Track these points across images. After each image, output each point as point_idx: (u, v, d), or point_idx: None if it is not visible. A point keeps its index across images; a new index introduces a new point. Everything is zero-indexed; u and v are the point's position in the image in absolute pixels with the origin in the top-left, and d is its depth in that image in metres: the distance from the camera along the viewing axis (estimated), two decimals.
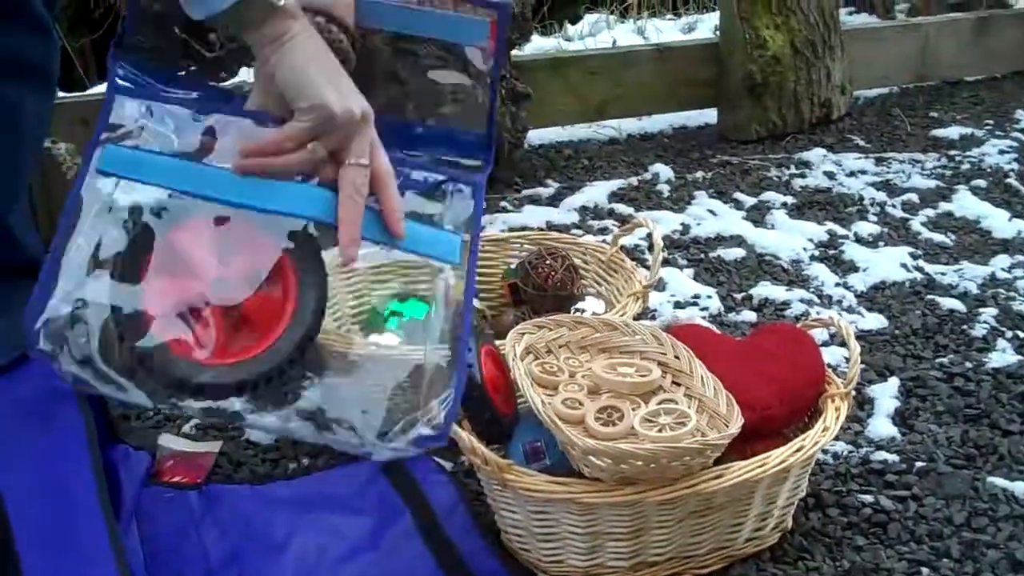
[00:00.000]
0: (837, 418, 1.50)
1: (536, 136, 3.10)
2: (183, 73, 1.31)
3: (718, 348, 1.63)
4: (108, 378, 1.13)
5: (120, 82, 1.26)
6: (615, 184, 2.87)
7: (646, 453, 1.33)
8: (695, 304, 2.24)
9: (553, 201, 2.75)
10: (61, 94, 2.01)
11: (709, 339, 1.68)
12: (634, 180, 2.91)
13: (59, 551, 1.30)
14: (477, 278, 1.96)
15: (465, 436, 1.41)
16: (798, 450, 1.43)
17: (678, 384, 1.55)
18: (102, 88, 2.82)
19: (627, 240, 2.45)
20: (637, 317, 1.77)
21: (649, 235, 2.49)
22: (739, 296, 2.30)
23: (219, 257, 1.18)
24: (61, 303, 1.14)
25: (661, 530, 1.41)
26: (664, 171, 2.97)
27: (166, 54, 1.27)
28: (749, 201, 2.81)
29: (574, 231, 2.55)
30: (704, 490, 1.38)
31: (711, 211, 2.73)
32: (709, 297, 2.28)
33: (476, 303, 1.89)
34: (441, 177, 1.31)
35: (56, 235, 1.17)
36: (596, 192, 2.80)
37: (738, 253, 2.49)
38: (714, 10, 4.17)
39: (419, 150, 1.33)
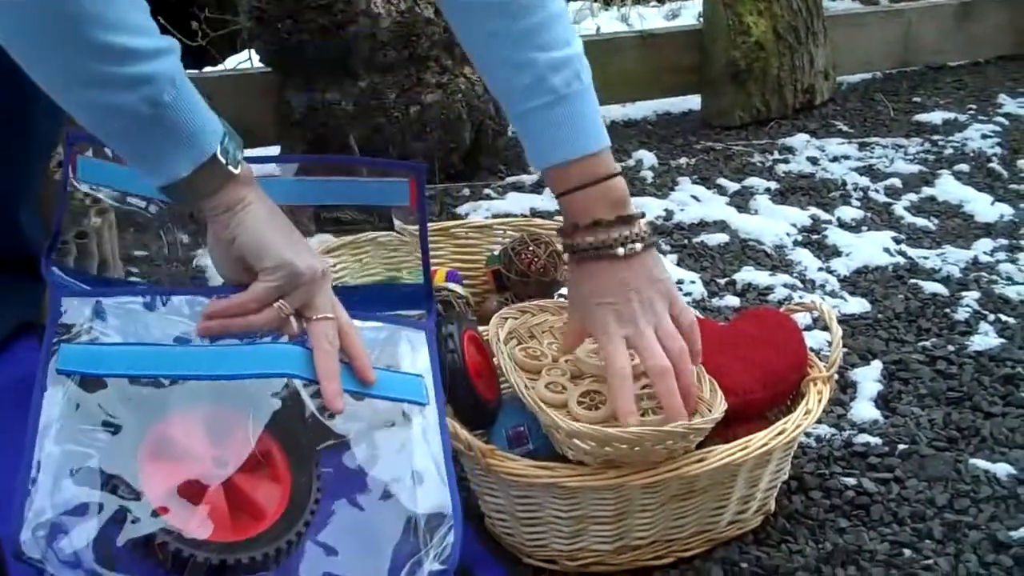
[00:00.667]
0: (819, 401, 1.50)
1: None
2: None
3: (701, 333, 1.63)
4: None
5: (61, 285, 1.28)
6: None
7: (630, 436, 1.33)
8: (678, 289, 2.23)
9: (536, 188, 2.75)
10: None
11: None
12: (617, 166, 2.89)
13: None
14: (460, 264, 1.98)
15: (448, 423, 1.41)
16: (780, 433, 1.43)
17: None
18: None
19: None
20: None
21: None
22: (722, 281, 2.30)
23: (211, 440, 1.18)
24: (44, 509, 1.11)
25: (644, 514, 1.42)
26: (648, 157, 2.97)
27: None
28: (732, 187, 2.81)
29: (557, 217, 2.53)
30: (687, 473, 1.38)
31: (694, 197, 2.73)
32: (693, 282, 2.28)
33: (459, 289, 1.89)
34: (391, 327, 1.35)
35: (27, 437, 1.14)
36: None
37: (721, 238, 2.49)
38: None
39: (359, 310, 1.34)
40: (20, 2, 1.03)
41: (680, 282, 2.27)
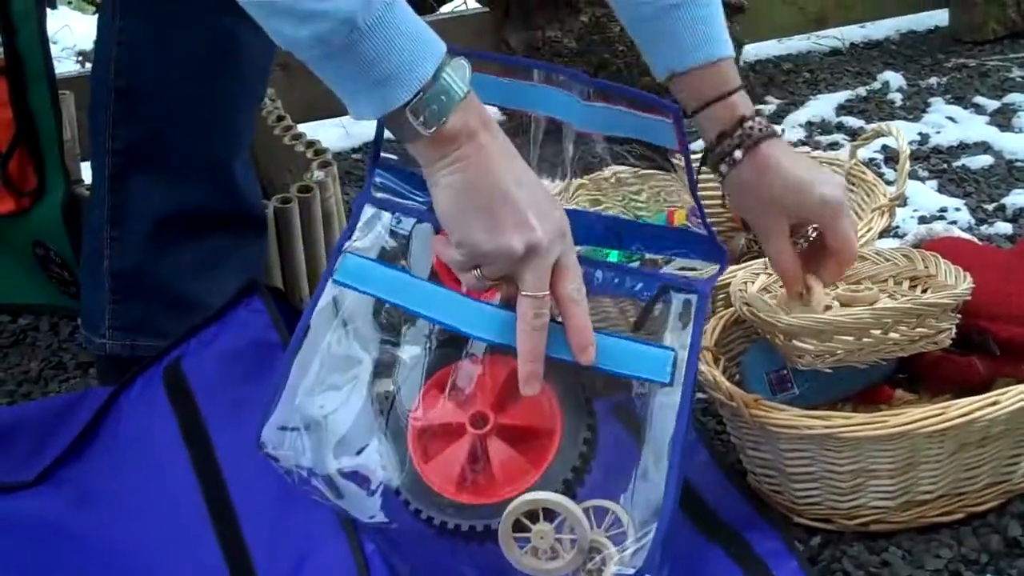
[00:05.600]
0: None
1: (752, 51, 2.92)
2: None
3: (981, 259, 1.47)
4: (333, 484, 1.14)
5: (375, 191, 1.24)
6: (841, 96, 2.68)
7: (853, 323, 1.24)
8: (942, 218, 2.07)
9: (775, 118, 2.57)
10: None
11: (969, 250, 1.52)
12: (862, 91, 2.72)
13: (279, 512, 1.23)
14: (704, 202, 1.83)
15: (707, 371, 1.29)
16: None
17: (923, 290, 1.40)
18: None
19: (860, 153, 2.26)
20: (881, 234, 1.61)
21: (884, 147, 2.32)
22: (990, 207, 2.11)
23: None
24: (293, 409, 1.15)
25: (931, 465, 1.27)
26: (894, 79, 2.76)
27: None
28: (992, 105, 2.59)
29: (801, 148, 2.37)
30: (979, 418, 1.23)
31: (950, 118, 2.53)
32: (957, 210, 2.10)
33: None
34: (658, 284, 1.22)
35: (294, 336, 1.18)
36: (821, 106, 2.62)
37: (985, 160, 2.29)
38: None
39: (652, 250, 1.30)
40: None
41: (943, 210, 2.10)
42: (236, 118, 1.53)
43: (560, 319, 1.11)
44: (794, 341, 1.27)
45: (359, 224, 1.21)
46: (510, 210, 1.06)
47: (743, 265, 1.48)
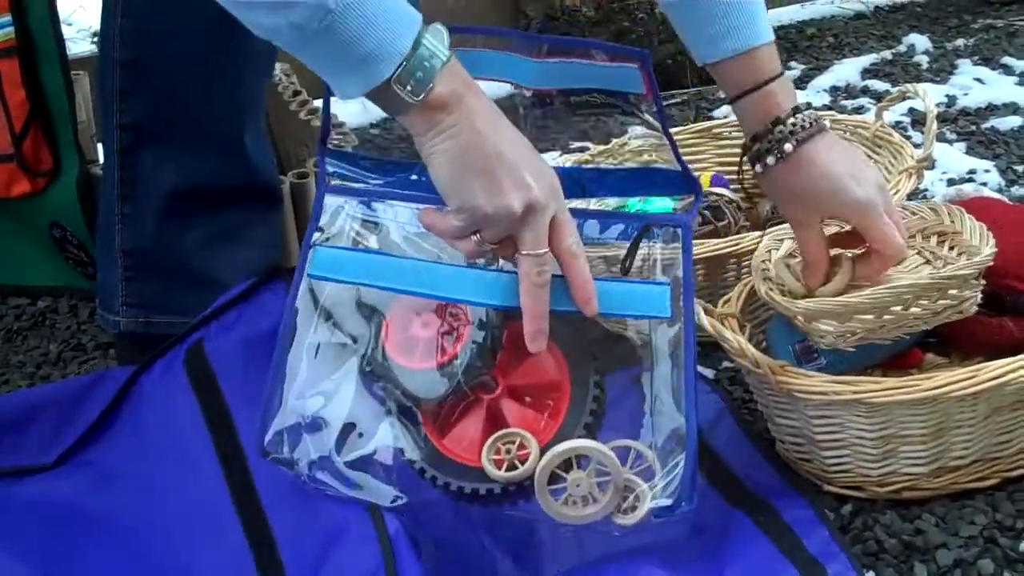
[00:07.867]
0: None
1: (775, 16, 2.88)
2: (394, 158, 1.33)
3: (1012, 217, 1.43)
4: (345, 477, 1.17)
5: (329, 180, 1.26)
6: (867, 60, 2.65)
7: (872, 301, 1.22)
8: (971, 180, 2.04)
9: (799, 84, 2.54)
10: None
11: (1000, 209, 1.48)
12: (887, 54, 2.68)
13: (304, 497, 1.21)
14: (726, 167, 1.81)
15: (732, 338, 1.27)
16: None
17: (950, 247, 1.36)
18: None
19: (886, 117, 2.23)
20: (910, 197, 1.58)
21: (911, 110, 2.29)
22: (1021, 168, 2.08)
23: None
24: (291, 411, 1.18)
25: (963, 430, 1.24)
26: (920, 41, 2.73)
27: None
28: (1020, 66, 2.55)
29: (826, 113, 2.34)
30: (1012, 380, 1.20)
31: (978, 79, 2.50)
32: (987, 171, 2.07)
33: (728, 193, 1.72)
34: (641, 224, 1.22)
35: (279, 339, 1.20)
36: (846, 70, 2.59)
37: (1014, 122, 2.26)
38: None
39: (619, 194, 1.30)
40: None
41: (972, 172, 2.06)
42: (245, 89, 1.51)
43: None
44: (814, 323, 1.25)
45: (323, 218, 1.23)
46: (507, 170, 1.07)
47: (768, 231, 1.45)
